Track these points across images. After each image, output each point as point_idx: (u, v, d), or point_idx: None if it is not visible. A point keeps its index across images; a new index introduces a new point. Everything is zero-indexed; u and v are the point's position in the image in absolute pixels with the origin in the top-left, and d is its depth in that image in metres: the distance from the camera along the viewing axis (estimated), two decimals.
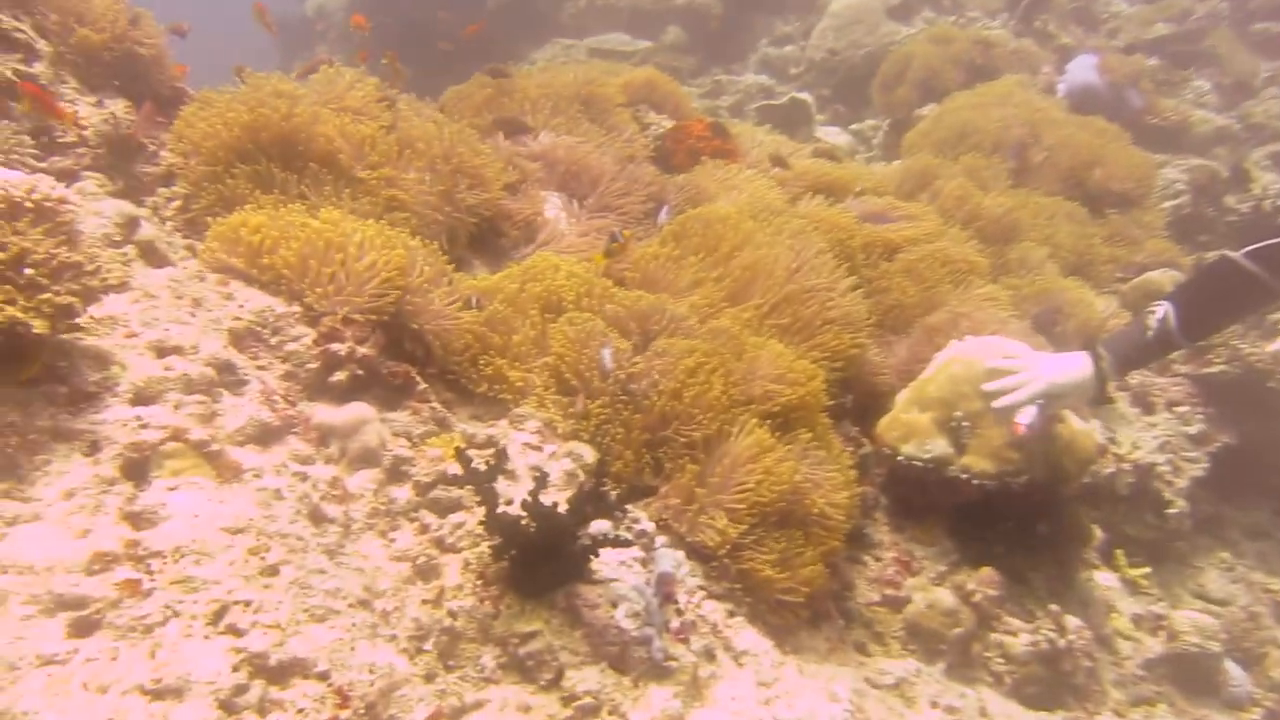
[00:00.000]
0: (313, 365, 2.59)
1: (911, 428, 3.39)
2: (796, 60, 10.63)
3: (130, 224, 2.86)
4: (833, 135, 8.53)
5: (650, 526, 2.68)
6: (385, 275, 2.79)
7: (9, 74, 3.20)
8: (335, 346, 2.59)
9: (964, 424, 3.28)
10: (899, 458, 3.39)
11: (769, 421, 3.18)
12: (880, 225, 4.42)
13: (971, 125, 6.11)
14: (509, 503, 2.50)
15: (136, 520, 1.87)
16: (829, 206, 4.42)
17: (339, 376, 2.58)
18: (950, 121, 6.32)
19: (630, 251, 3.74)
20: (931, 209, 4.73)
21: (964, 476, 3.25)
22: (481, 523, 2.29)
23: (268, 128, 3.44)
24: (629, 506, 2.67)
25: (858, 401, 3.74)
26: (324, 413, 2.50)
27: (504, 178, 3.97)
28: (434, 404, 2.78)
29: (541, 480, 2.29)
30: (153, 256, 2.87)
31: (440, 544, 2.35)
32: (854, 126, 9.12)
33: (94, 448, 1.96)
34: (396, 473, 2.50)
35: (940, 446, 3.31)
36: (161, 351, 2.29)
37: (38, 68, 3.33)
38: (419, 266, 2.96)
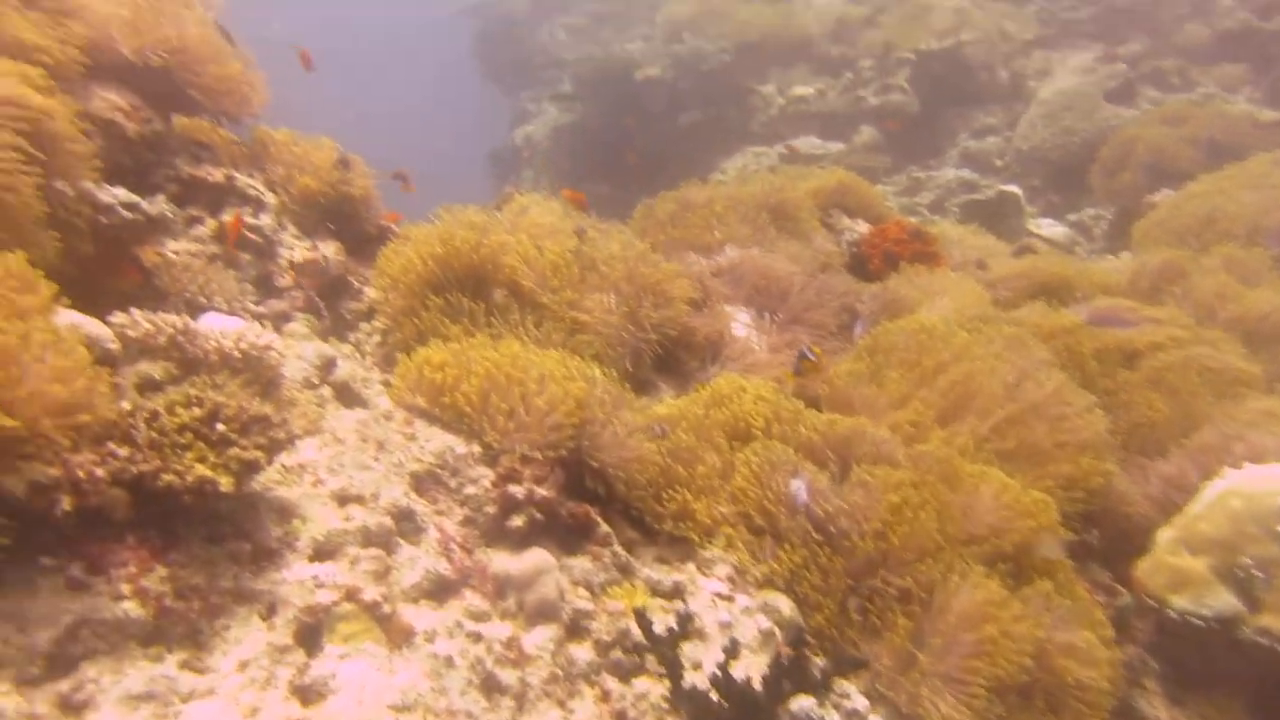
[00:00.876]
0: (490, 509, 2.49)
1: (1183, 575, 2.79)
2: (1001, 152, 10.08)
3: (327, 365, 2.94)
4: (1048, 227, 7.88)
5: (863, 705, 2.29)
6: (564, 409, 2.68)
7: (241, 226, 3.48)
8: (513, 489, 2.48)
9: (1255, 573, 2.66)
10: (1169, 612, 2.79)
11: (997, 567, 2.73)
12: (1115, 329, 3.86)
13: (1220, 210, 5.35)
14: (697, 667, 2.22)
15: (305, 694, 1.77)
16: (1051, 310, 3.93)
17: (517, 521, 2.45)
18: (1193, 208, 5.58)
19: (823, 369, 3.46)
20: (1178, 308, 4.10)
21: (1263, 641, 2.61)
22: (666, 698, 2.03)
23: (459, 258, 3.51)
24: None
25: (1105, 539, 3.17)
26: (501, 561, 2.36)
27: (689, 294, 3.84)
28: (615, 548, 2.59)
29: (732, 649, 2.01)
30: (347, 396, 2.93)
31: (622, 718, 2.10)
32: (1072, 217, 8.41)
33: (271, 610, 1.90)
34: (576, 629, 2.30)
35: (1225, 601, 2.69)
36: (343, 500, 2.25)
37: (264, 219, 3.60)
38: (599, 398, 2.83)
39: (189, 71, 3.46)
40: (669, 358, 3.83)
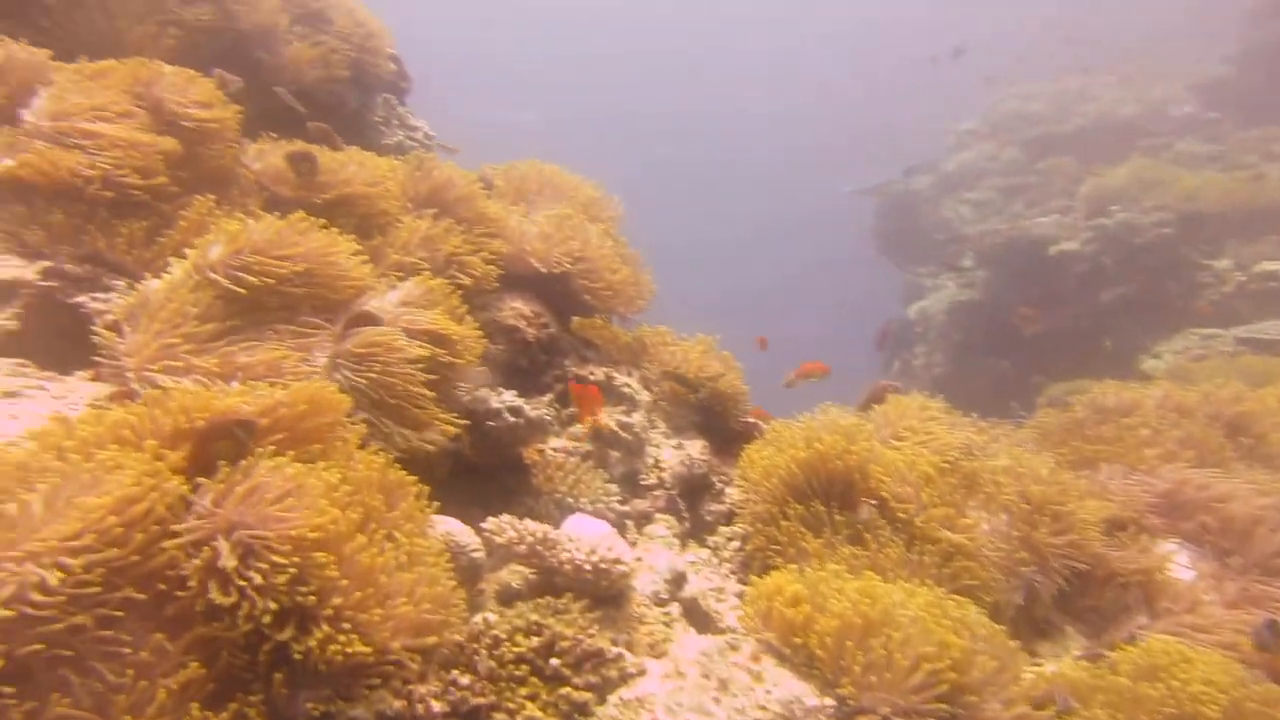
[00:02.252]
0: None
1: None
2: None
3: (678, 580, 2.82)
4: None
5: None
6: (931, 669, 2.22)
7: (613, 425, 3.61)
8: None
9: None
10: None
11: None
12: None
13: None
14: None
15: None
16: None
17: None
18: None
19: None
20: None
21: None
22: None
23: (824, 464, 3.26)
24: None
25: None
26: None
27: (1101, 516, 3.14)
28: None
29: None
30: (696, 615, 2.76)
31: None
32: None
33: None
34: None
35: None
36: None
37: (635, 417, 3.72)
38: (979, 656, 2.32)
39: (585, 278, 3.78)
40: (1078, 593, 3.13)
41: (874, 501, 3.17)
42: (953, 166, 16.49)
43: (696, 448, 3.73)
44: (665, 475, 3.56)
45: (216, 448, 1.83)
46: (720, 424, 3.96)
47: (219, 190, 3.12)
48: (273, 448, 1.91)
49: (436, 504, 2.36)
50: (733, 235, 39.75)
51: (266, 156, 3.33)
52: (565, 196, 4.14)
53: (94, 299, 2.65)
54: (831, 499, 3.20)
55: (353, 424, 2.29)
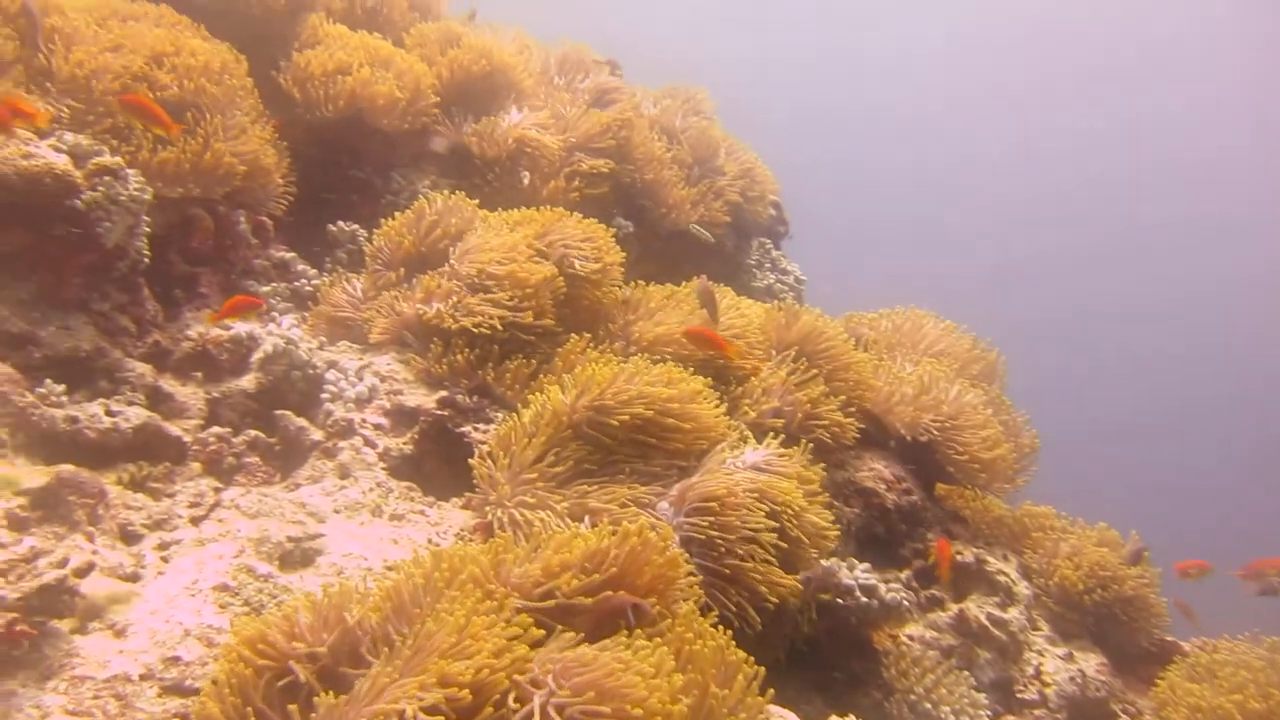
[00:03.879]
0: None
1: None
2: None
3: None
4: None
5: None
6: None
7: (982, 618, 3.07)
8: None
9: None
10: None
11: None
12: None
13: None
14: None
15: None
16: None
17: None
18: None
19: None
20: None
21: None
22: None
23: None
24: None
25: None
26: None
27: None
28: None
29: None
30: None
31: None
32: None
33: None
34: None
35: None
36: None
37: (1011, 613, 3.13)
38: None
39: (950, 446, 3.34)
40: None
41: None
42: None
43: (1092, 663, 3.03)
44: (1049, 692, 2.92)
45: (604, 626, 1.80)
46: (1123, 636, 3.20)
47: (596, 327, 3.27)
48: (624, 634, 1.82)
49: (771, 690, 2.08)
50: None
51: (635, 297, 3.45)
52: (940, 351, 3.76)
53: (476, 429, 2.84)
54: None
55: (691, 581, 2.14)
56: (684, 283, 3.61)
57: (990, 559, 3.23)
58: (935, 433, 3.27)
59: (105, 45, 3.00)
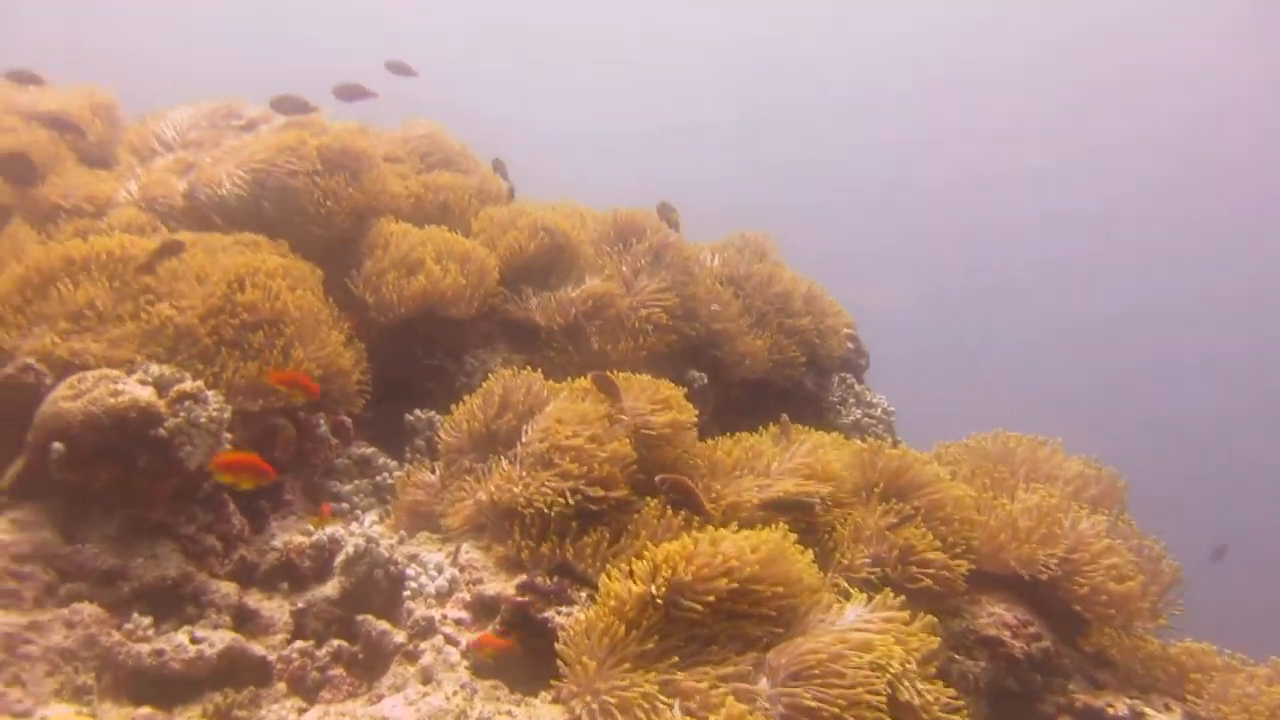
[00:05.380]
0: None
1: None
2: None
3: None
4: None
5: None
6: None
7: None
8: None
9: None
10: None
11: None
12: None
13: None
14: None
15: None
16: None
17: None
18: None
19: None
20: None
21: None
22: None
23: None
24: None
25: None
26: None
27: None
28: None
29: None
30: None
31: None
32: None
33: None
34: None
35: None
36: None
37: None
38: None
39: (1074, 581, 3.03)
40: None
41: None
42: None
43: None
44: None
45: None
46: None
47: (673, 491, 3.17)
48: None
49: None
50: None
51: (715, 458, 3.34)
52: (1045, 475, 3.49)
53: (559, 613, 2.73)
54: None
55: None
56: (761, 430, 3.51)
57: (1149, 710, 2.84)
58: (1055, 569, 2.97)
59: (193, 276, 3.24)
